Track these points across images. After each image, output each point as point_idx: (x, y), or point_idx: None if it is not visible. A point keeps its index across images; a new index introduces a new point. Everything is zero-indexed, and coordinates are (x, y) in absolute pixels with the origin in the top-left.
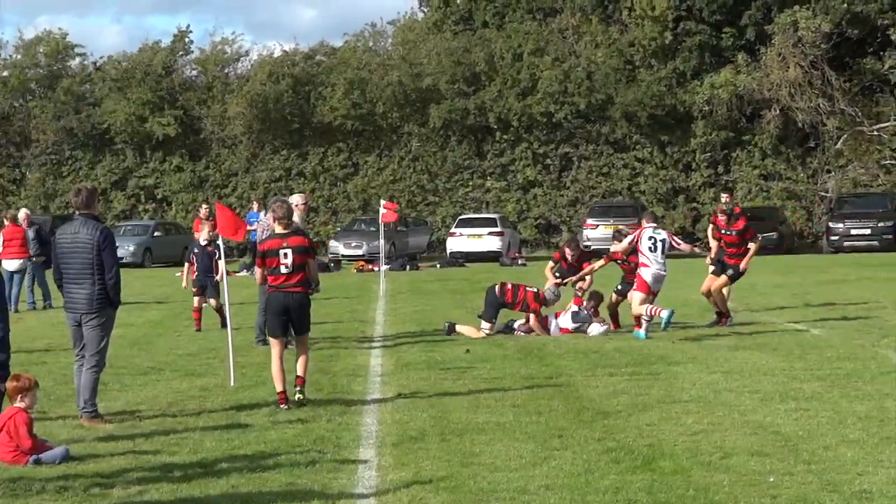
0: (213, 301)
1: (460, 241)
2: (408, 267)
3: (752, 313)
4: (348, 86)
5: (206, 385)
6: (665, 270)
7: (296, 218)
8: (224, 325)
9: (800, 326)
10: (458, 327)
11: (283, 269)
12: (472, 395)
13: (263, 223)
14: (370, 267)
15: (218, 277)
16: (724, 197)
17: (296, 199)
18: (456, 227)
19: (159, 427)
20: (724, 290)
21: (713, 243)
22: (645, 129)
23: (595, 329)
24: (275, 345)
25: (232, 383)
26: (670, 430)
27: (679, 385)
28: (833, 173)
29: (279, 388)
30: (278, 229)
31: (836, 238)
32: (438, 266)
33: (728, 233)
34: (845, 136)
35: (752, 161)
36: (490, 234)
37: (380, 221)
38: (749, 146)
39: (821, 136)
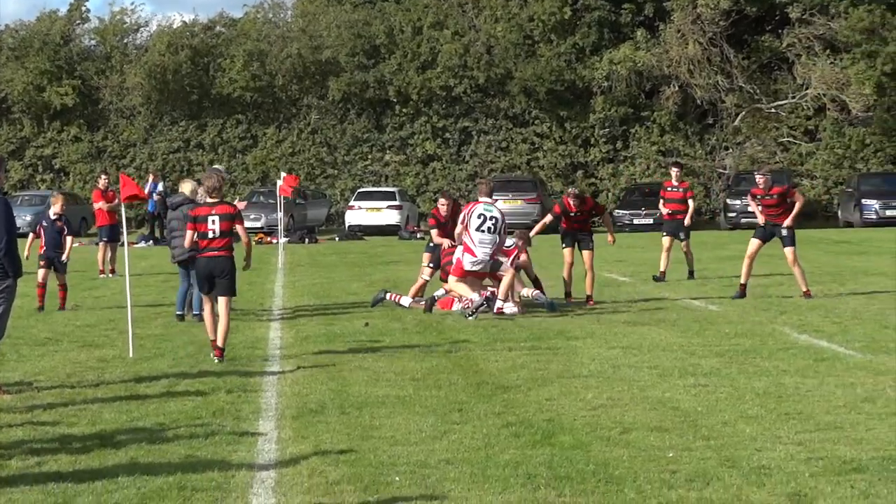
0: (59, 278)
1: (359, 214)
2: (306, 240)
3: (649, 288)
4: (248, 57)
5: (104, 356)
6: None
7: (188, 189)
8: (63, 306)
9: (698, 302)
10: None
11: (210, 235)
12: (372, 369)
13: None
14: (269, 239)
15: (65, 256)
16: (674, 171)
17: (215, 168)
18: (355, 200)
19: (57, 398)
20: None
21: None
22: (544, 104)
23: (509, 308)
24: (206, 301)
25: (131, 354)
26: (570, 404)
27: (578, 360)
28: (731, 150)
29: (212, 336)
30: (208, 199)
31: (734, 215)
32: (337, 239)
33: (768, 197)
34: (743, 113)
35: (650, 137)
36: (389, 207)
37: (278, 194)
38: (648, 122)
39: (719, 113)
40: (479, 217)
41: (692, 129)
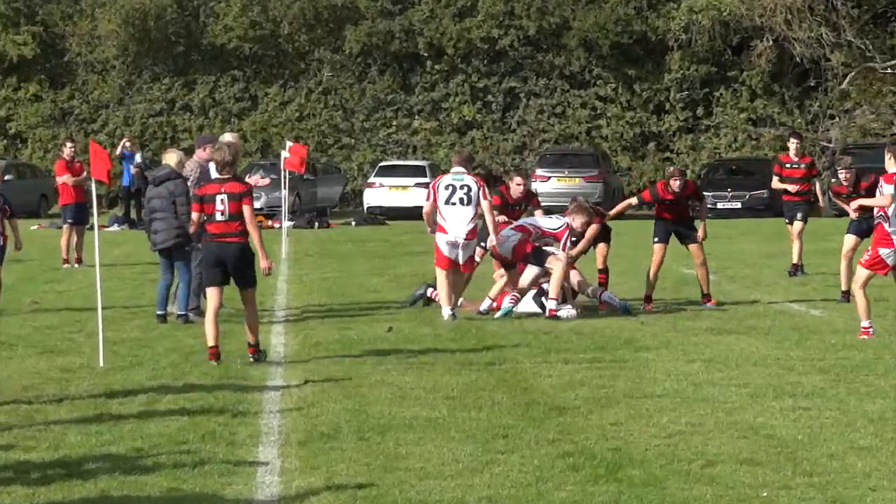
0: None
1: (380, 193)
2: (316, 224)
3: (736, 288)
4: (246, 1)
5: (69, 365)
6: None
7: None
8: None
9: (797, 306)
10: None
11: (220, 217)
12: (397, 384)
13: (192, 165)
14: (270, 223)
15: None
16: (793, 144)
17: (227, 139)
18: (375, 176)
19: (11, 417)
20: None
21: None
22: (608, 60)
23: (565, 312)
24: (211, 297)
25: (101, 363)
26: (640, 431)
27: (650, 376)
28: (837, 119)
29: (210, 342)
30: (219, 174)
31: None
32: (353, 224)
33: (855, 195)
34: (852, 73)
35: (738, 103)
36: (417, 185)
37: (282, 168)
38: (735, 84)
39: (823, 73)
40: (447, 188)
41: (789, 94)
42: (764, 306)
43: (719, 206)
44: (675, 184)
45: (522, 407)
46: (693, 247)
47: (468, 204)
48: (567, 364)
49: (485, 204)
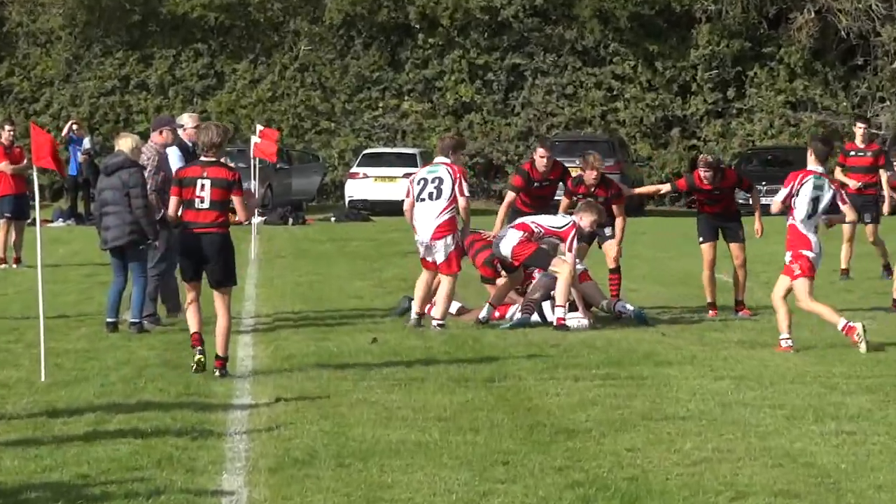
0: None
1: (364, 185)
2: (291, 220)
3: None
4: None
5: (5, 380)
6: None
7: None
8: None
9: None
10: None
11: (198, 204)
12: (382, 403)
13: (150, 151)
14: (237, 218)
15: None
16: (860, 129)
17: (185, 121)
18: (359, 165)
19: None
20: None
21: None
22: (626, 34)
23: (575, 322)
24: (188, 290)
25: (43, 378)
26: (660, 457)
27: (672, 395)
28: (889, 103)
29: (193, 328)
30: (202, 156)
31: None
32: (333, 219)
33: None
34: None
35: (775, 83)
36: (406, 176)
37: (251, 155)
38: (772, 63)
39: (873, 50)
40: (419, 183)
41: (834, 73)
42: (803, 316)
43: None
44: (706, 175)
45: (525, 430)
46: (734, 246)
47: (437, 199)
48: (577, 381)
49: (461, 201)
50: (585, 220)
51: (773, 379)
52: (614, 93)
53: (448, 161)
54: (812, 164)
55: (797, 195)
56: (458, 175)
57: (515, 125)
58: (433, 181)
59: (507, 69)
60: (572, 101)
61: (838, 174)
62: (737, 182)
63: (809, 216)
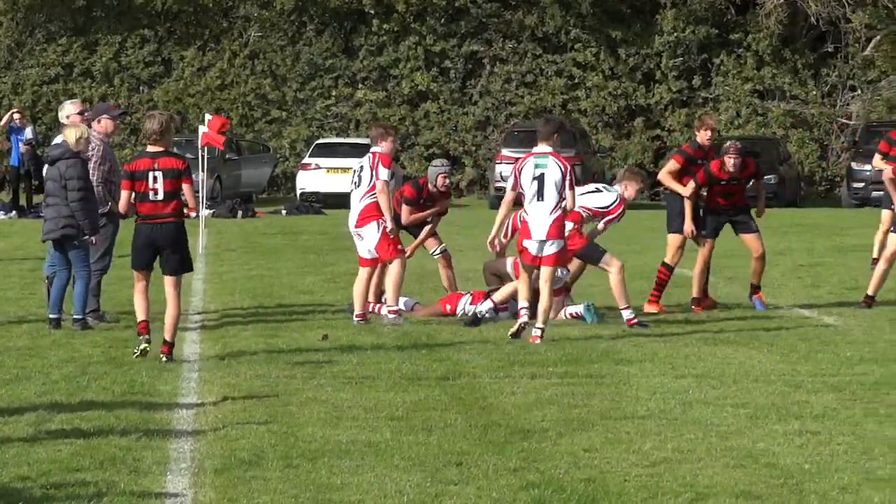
0: None
1: (317, 176)
2: (240, 213)
3: (736, 290)
4: None
5: None
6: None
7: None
8: None
9: (807, 313)
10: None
11: (153, 196)
12: (332, 402)
13: (95, 141)
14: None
15: None
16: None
17: (69, 110)
18: (311, 156)
19: None
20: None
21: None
22: (589, 20)
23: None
24: (138, 279)
25: None
26: (619, 458)
27: (632, 394)
28: (860, 92)
29: (141, 316)
30: (149, 147)
31: (862, 186)
32: (284, 212)
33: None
34: (879, 37)
35: (742, 71)
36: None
37: (199, 145)
38: (739, 50)
39: (843, 37)
40: (354, 173)
41: (803, 61)
42: (769, 312)
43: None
44: (732, 162)
45: (480, 430)
46: (750, 237)
47: (358, 186)
48: (533, 379)
49: (378, 184)
50: (630, 189)
51: (736, 377)
52: (575, 81)
53: (376, 148)
54: (539, 146)
55: (521, 177)
56: (376, 159)
57: (473, 114)
58: (359, 168)
59: (465, 56)
60: (532, 90)
61: (877, 161)
62: (756, 171)
63: (539, 195)
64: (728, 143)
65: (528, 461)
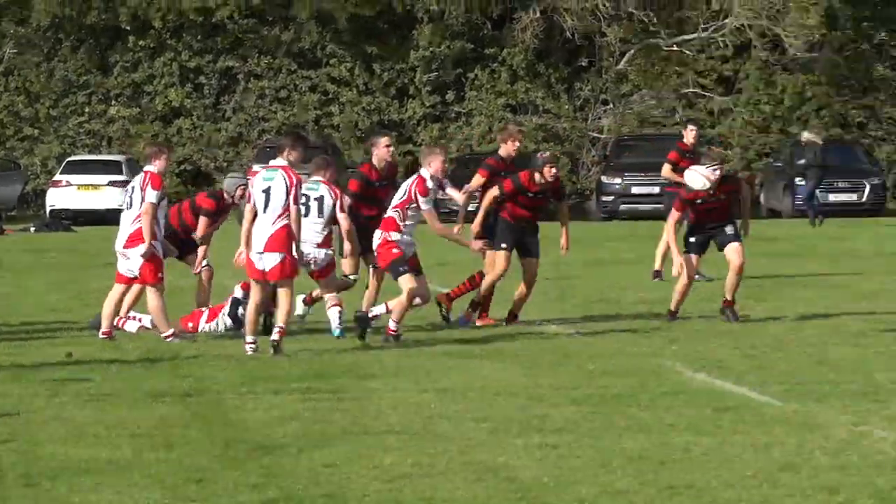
0: None
1: (67, 193)
2: None
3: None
4: None
5: None
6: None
7: None
8: None
9: (553, 327)
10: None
11: None
12: (74, 420)
13: None
14: None
15: None
16: (690, 131)
17: None
18: (62, 173)
19: None
20: None
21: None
22: (345, 35)
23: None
24: None
25: None
26: (358, 473)
27: (374, 408)
28: (612, 106)
29: None
30: None
31: (611, 199)
32: (33, 229)
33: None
34: (632, 52)
35: (496, 86)
36: (111, 184)
37: None
38: (494, 64)
39: (598, 51)
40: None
41: (557, 75)
42: (512, 328)
43: (472, 207)
44: (550, 172)
45: (221, 446)
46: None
47: (130, 207)
48: (276, 395)
49: (145, 205)
50: (435, 163)
51: (479, 391)
52: (329, 96)
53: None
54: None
55: (253, 190)
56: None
57: (226, 130)
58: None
59: (220, 72)
60: (286, 105)
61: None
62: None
63: (265, 208)
64: (545, 153)
65: (268, 477)
